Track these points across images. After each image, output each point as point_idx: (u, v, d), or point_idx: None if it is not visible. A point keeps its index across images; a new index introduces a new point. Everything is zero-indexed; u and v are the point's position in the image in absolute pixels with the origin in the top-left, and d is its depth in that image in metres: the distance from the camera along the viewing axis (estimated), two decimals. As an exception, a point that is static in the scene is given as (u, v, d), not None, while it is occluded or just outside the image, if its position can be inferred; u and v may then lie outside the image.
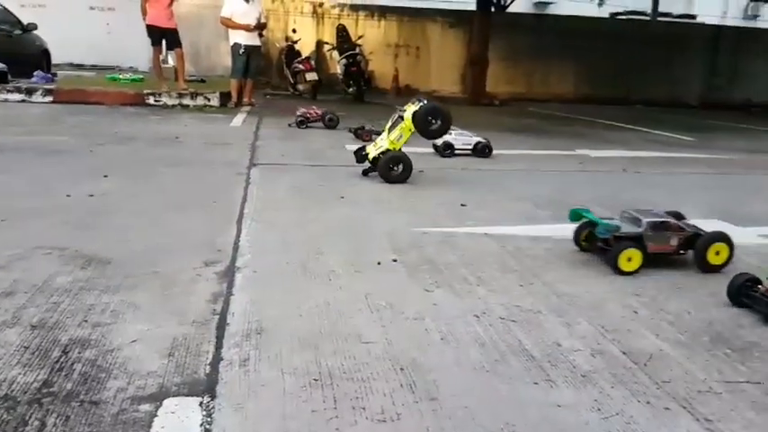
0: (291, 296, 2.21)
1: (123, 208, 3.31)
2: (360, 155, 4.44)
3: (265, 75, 13.60)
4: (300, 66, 11.84)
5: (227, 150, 5.32)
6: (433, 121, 4.16)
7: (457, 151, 5.59)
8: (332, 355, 1.80)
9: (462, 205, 3.73)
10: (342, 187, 4.05)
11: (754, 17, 26.02)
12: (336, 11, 14.78)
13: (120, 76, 10.46)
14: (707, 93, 16.56)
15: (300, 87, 11.93)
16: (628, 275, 2.62)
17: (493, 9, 14.83)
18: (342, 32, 12.06)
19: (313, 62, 12.16)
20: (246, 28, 8.98)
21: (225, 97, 9.21)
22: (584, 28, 15.57)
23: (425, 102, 4.23)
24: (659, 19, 19.26)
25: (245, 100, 9.37)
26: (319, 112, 7.29)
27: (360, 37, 12.53)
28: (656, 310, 2.28)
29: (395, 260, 2.65)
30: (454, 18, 15.10)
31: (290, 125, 7.20)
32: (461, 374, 1.74)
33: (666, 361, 1.89)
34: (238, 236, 2.87)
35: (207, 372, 1.68)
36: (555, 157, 5.98)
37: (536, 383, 1.71)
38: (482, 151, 5.66)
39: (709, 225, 3.59)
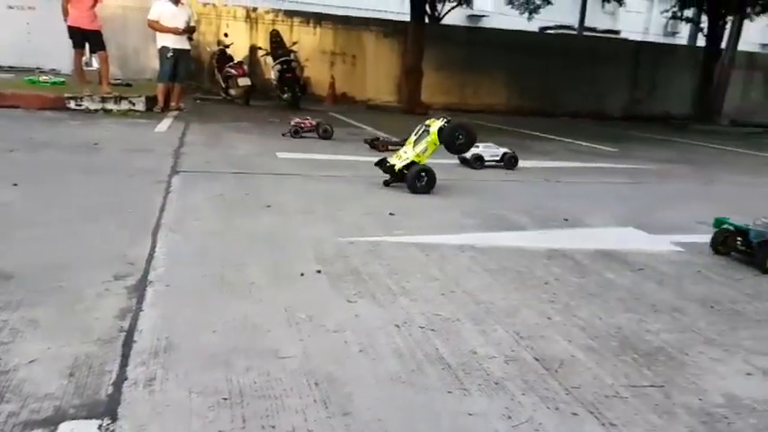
0: (206, 311, 2.14)
1: (31, 218, 3.12)
2: (385, 166, 4.61)
3: (197, 79, 13.25)
4: (232, 70, 11.62)
5: (149, 157, 5.12)
6: (460, 137, 4.47)
7: (486, 163, 5.93)
8: (245, 371, 1.74)
9: (391, 214, 3.74)
10: (269, 196, 3.98)
11: (673, 34, 27.79)
12: (270, 16, 14.60)
13: (40, 79, 9.91)
14: (629, 105, 17.44)
15: (233, 92, 11.69)
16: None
17: (427, 20, 15.10)
18: (276, 38, 11.93)
19: (246, 67, 11.95)
20: (175, 31, 8.74)
21: (151, 102, 8.89)
22: (515, 41, 16.08)
23: (449, 118, 4.52)
24: (585, 34, 20.24)
25: (173, 105, 9.09)
26: (314, 122, 7.36)
27: (294, 43, 12.43)
28: (569, 316, 2.35)
29: (319, 271, 2.61)
30: (389, 28, 15.24)
31: (283, 135, 7.27)
32: (377, 387, 1.73)
33: (577, 366, 1.95)
34: (153, 247, 2.76)
35: (109, 392, 1.59)
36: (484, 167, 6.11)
37: (450, 392, 1.72)
38: (509, 162, 6.02)
39: (624, 233, 3.79)
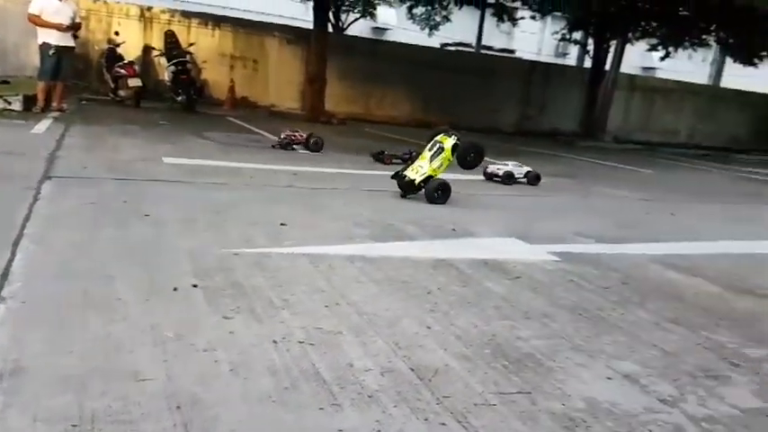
0: (64, 330, 1.97)
1: None
2: (402, 180, 4.96)
3: (84, 79, 12.43)
4: (122, 70, 11.00)
5: (20, 161, 4.70)
6: (472, 155, 5.03)
7: (517, 180, 6.59)
8: (99, 396, 1.61)
9: (282, 224, 3.66)
10: (149, 204, 3.76)
11: (564, 55, 29.72)
12: (166, 16, 14.00)
13: None
14: (521, 121, 18.41)
15: (122, 93, 11.07)
16: None
17: (331, 29, 15.15)
18: (171, 38, 11.46)
19: (137, 67, 11.36)
20: (58, 27, 8.14)
21: (30, 101, 8.21)
22: (417, 56, 16.50)
23: (459, 135, 5.04)
24: (483, 52, 21.18)
25: (54, 105, 8.45)
26: (304, 135, 7.56)
27: (191, 44, 12.01)
28: (448, 324, 2.40)
29: (195, 285, 2.49)
30: (292, 34, 15.12)
31: (273, 147, 7.40)
32: (245, 407, 1.66)
33: (450, 375, 1.98)
34: (11, 261, 2.51)
35: (-67, 428, 1.41)
36: (381, 177, 6.13)
37: (322, 408, 1.69)
38: (533, 179, 6.61)
39: (506, 243, 3.95)
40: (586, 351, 2.32)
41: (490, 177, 6.63)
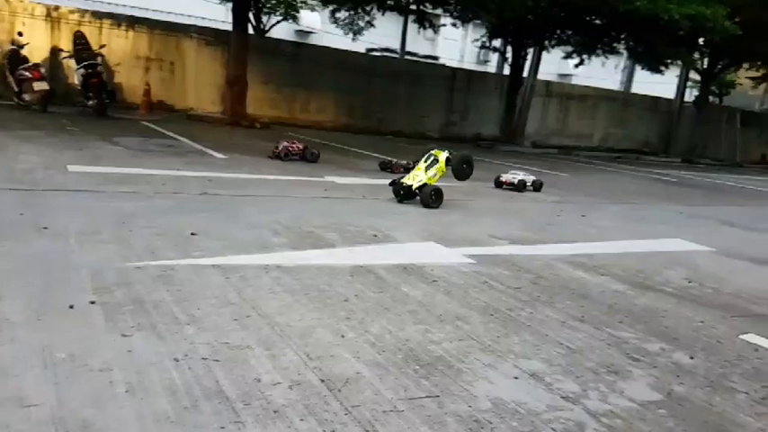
0: (-64, 357, 1.80)
1: None
2: (401, 186, 5.54)
3: (-17, 81, 11.55)
4: (27, 73, 10.31)
5: None
6: (465, 166, 5.87)
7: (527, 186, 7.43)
8: (-27, 428, 1.48)
9: (192, 234, 3.53)
10: (49, 216, 3.53)
11: (485, 62, 30.59)
12: (76, 16, 13.25)
13: None
14: (445, 126, 18.79)
15: (27, 98, 10.37)
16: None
17: (253, 32, 14.87)
18: (80, 40, 10.86)
19: (43, 70, 10.68)
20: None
21: None
22: (343, 60, 16.49)
23: (452, 150, 5.83)
24: (407, 58, 21.47)
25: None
26: (301, 146, 7.71)
27: (102, 46, 11.43)
28: (362, 332, 2.39)
29: (93, 302, 2.35)
30: (211, 36, 14.72)
31: (270, 157, 7.53)
32: (139, 430, 1.57)
33: (361, 384, 1.97)
34: None
35: None
36: (303, 183, 6.10)
37: (223, 428, 1.63)
38: (538, 186, 7.49)
39: (425, 247, 4.00)
40: (495, 351, 2.37)
41: (501, 185, 7.46)
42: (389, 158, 7.68)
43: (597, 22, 16.41)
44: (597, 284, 3.49)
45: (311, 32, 24.65)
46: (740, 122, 24.90)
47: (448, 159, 5.64)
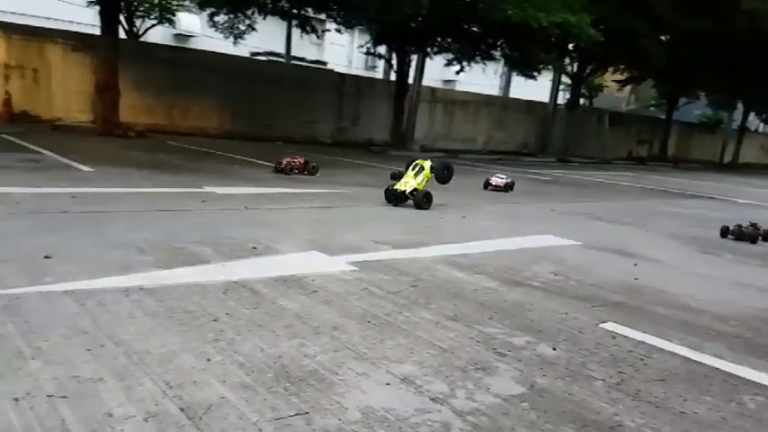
0: None
1: None
2: (395, 191, 6.43)
3: None
4: None
5: None
6: (446, 172, 6.77)
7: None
8: None
9: (46, 257, 3.23)
10: None
11: (373, 68, 31.01)
12: None
13: None
14: (337, 132, 18.83)
15: None
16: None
17: (126, 36, 14.03)
18: None
19: None
20: None
21: None
22: (226, 65, 16.00)
23: (434, 159, 6.85)
24: (294, 62, 21.27)
25: None
26: (302, 161, 8.43)
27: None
28: (231, 353, 2.29)
29: None
30: (78, 41, 13.71)
31: (273, 171, 8.09)
32: (-43, 489, 1.39)
33: (225, 409, 1.88)
34: None
35: None
36: (178, 195, 5.81)
37: (61, 475, 1.47)
38: (511, 187, 9.00)
39: (307, 257, 3.93)
40: (370, 359, 2.36)
41: (487, 186, 8.95)
42: (399, 169, 7.62)
43: (475, 30, 17.22)
44: (471, 283, 3.62)
45: (191, 36, 23.72)
46: (609, 122, 27.30)
47: (432, 167, 6.56)
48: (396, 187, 6.51)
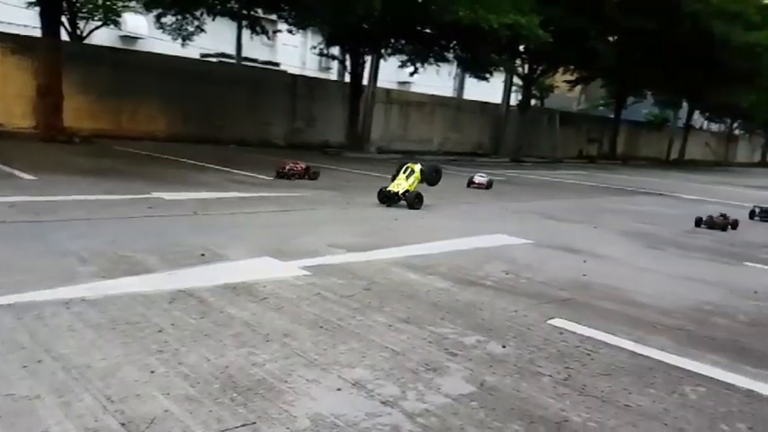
0: None
1: None
2: (389, 193, 6.85)
3: None
4: None
5: None
6: (434, 174, 7.24)
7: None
8: None
9: (-21, 271, 3.07)
10: None
11: (327, 69, 30.85)
12: None
13: None
14: (291, 134, 18.64)
15: None
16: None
17: (69, 38, 13.54)
18: None
19: None
20: None
21: None
22: (174, 67, 15.63)
23: (423, 162, 7.33)
24: (245, 64, 20.96)
25: None
26: (303, 166, 8.90)
27: None
28: (175, 364, 2.23)
29: None
30: (16, 43, 13.14)
31: (276, 177, 8.47)
32: None
33: (168, 422, 1.82)
34: None
35: None
36: (123, 202, 5.63)
37: (-11, 502, 1.40)
38: (491, 185, 9.85)
39: (258, 263, 3.86)
40: (321, 365, 2.34)
41: (470, 184, 9.79)
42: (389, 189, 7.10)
43: (427, 31, 17.36)
44: (425, 284, 3.63)
45: (138, 38, 23.09)
46: (559, 122, 27.96)
47: (422, 170, 7.00)
48: (389, 189, 6.89)
